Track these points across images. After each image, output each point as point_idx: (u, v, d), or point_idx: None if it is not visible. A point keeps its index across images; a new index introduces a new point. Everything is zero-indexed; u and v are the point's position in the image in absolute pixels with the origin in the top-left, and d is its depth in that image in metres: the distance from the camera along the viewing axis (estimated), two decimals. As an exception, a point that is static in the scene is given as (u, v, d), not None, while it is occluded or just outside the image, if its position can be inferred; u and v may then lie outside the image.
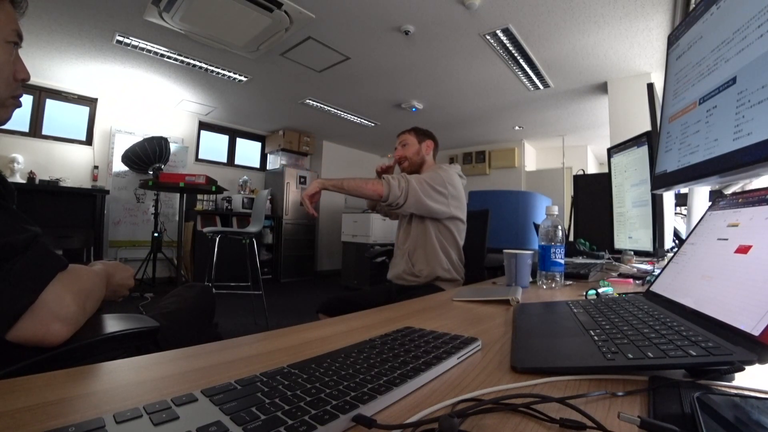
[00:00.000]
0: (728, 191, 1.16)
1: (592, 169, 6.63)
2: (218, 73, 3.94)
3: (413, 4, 2.70)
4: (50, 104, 4.34)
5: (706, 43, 0.60)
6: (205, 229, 2.96)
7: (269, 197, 5.09)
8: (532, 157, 6.73)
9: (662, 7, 2.62)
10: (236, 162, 6.14)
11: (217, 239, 2.87)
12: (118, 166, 4.60)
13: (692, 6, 2.02)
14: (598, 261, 1.38)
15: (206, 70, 3.87)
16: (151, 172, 4.31)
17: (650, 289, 0.62)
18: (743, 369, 0.32)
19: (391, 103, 4.75)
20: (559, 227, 0.99)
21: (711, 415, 0.25)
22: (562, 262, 0.99)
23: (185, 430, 0.24)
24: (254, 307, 3.30)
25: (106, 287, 0.68)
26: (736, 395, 0.30)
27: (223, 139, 6.00)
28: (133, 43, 3.33)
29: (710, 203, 0.63)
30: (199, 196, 5.20)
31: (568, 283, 1.05)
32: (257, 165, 6.43)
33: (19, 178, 3.92)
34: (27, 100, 4.11)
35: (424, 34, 3.09)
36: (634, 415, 0.25)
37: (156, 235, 4.41)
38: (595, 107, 4.59)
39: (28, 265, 0.49)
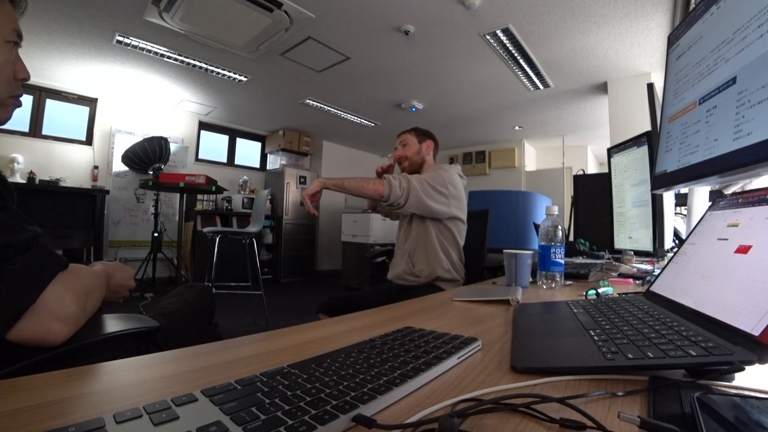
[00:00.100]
0: (728, 191, 1.16)
1: (592, 169, 6.63)
2: (218, 73, 3.94)
3: (413, 4, 2.70)
4: (50, 104, 4.34)
5: (706, 43, 0.60)
6: (205, 229, 2.96)
7: (269, 197, 5.09)
8: (532, 157, 6.73)
9: (662, 7, 2.62)
10: (236, 162, 6.14)
11: (217, 239, 2.87)
12: (118, 166, 4.60)
13: (692, 6, 2.02)
14: (598, 261, 1.38)
15: (206, 70, 3.87)
16: (151, 172, 4.31)
17: (650, 289, 0.62)
18: (743, 369, 0.32)
19: (391, 103, 4.75)
20: (559, 227, 0.99)
21: (711, 415, 0.25)
22: (562, 262, 0.99)
23: (185, 430, 0.24)
24: (254, 307, 3.30)
25: (107, 287, 0.68)
26: (736, 395, 0.30)
27: (223, 139, 6.00)
28: (133, 43, 3.33)
29: (710, 203, 0.63)
30: (199, 196, 5.20)
31: (568, 283, 1.05)
32: (257, 165, 6.43)
33: (19, 178, 3.92)
34: (27, 100, 4.11)
35: (424, 34, 3.09)
36: (634, 415, 0.25)
37: (156, 235, 4.41)
38: (595, 107, 4.59)
39: (28, 265, 0.49)
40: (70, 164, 4.40)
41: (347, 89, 4.37)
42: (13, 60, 0.57)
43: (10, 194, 0.54)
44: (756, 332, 0.33)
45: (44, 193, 3.82)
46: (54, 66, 3.83)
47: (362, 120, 5.40)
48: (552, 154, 6.62)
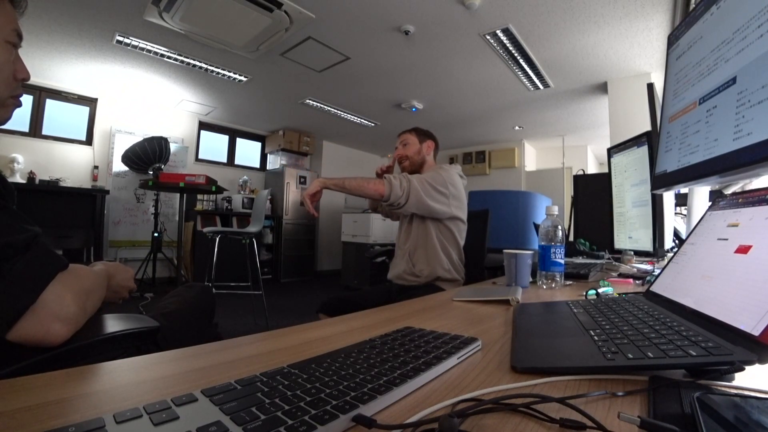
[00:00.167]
0: (728, 191, 1.16)
1: (592, 169, 6.63)
2: (218, 73, 3.94)
3: (413, 4, 2.70)
4: (50, 104, 4.34)
5: (706, 43, 0.60)
6: (205, 229, 2.96)
7: (269, 197, 5.09)
8: (532, 157, 6.73)
9: (662, 7, 2.62)
10: (236, 162, 6.14)
11: (217, 239, 2.87)
12: (118, 166, 4.60)
13: (692, 6, 2.02)
14: (598, 261, 1.38)
15: (206, 70, 3.87)
16: (151, 172, 4.31)
17: (650, 289, 0.62)
18: (743, 369, 0.32)
19: (391, 103, 4.75)
20: (559, 227, 0.99)
21: (711, 415, 0.25)
22: (562, 262, 0.99)
23: (185, 430, 0.24)
24: (254, 307, 3.30)
25: (107, 288, 0.68)
26: (736, 395, 0.30)
27: (223, 139, 6.00)
28: (133, 43, 3.33)
29: (710, 203, 0.63)
30: (199, 196, 5.20)
31: (568, 283, 1.05)
32: (257, 165, 6.43)
33: (19, 178, 3.92)
34: (27, 100, 4.11)
35: (424, 34, 3.09)
36: (634, 415, 0.25)
37: (156, 235, 4.41)
38: (595, 107, 4.59)
39: (28, 265, 0.49)
40: (70, 164, 4.40)
41: (347, 89, 4.37)
42: (13, 60, 0.57)
43: (10, 194, 0.54)
44: (756, 332, 0.33)
45: (44, 193, 3.82)
46: (54, 66, 3.83)
47: (362, 120, 5.40)
48: (552, 154, 6.62)
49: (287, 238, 5.81)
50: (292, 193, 5.85)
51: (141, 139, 4.43)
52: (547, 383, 0.36)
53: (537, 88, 4.08)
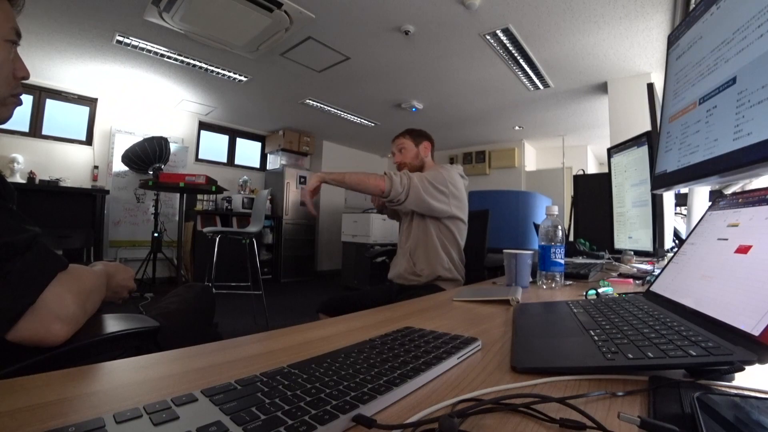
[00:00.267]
0: (728, 191, 1.16)
1: (592, 169, 6.63)
2: (218, 73, 3.94)
3: (413, 4, 2.70)
4: (50, 104, 4.34)
5: (706, 43, 0.60)
6: (205, 229, 2.96)
7: (269, 197, 5.09)
8: (532, 157, 6.73)
9: (662, 7, 2.62)
10: (236, 162, 6.14)
11: (217, 239, 2.87)
12: (118, 166, 4.60)
13: (692, 6, 2.02)
14: (598, 261, 1.38)
15: (206, 70, 3.87)
16: (151, 172, 4.30)
17: (650, 289, 0.62)
18: (743, 369, 0.32)
19: (391, 103, 4.75)
20: (559, 227, 0.99)
21: (711, 415, 0.25)
22: (562, 262, 0.99)
23: (185, 430, 0.24)
24: (254, 307, 3.30)
25: (107, 288, 0.68)
26: (736, 395, 0.30)
27: (223, 139, 6.00)
28: (133, 43, 3.33)
29: (710, 203, 0.63)
30: (199, 196, 5.20)
31: (568, 283, 1.05)
32: (257, 165, 6.43)
33: (19, 178, 3.92)
34: (27, 100, 4.11)
35: (424, 34, 3.09)
36: (634, 415, 0.25)
37: (156, 235, 4.40)
38: (595, 107, 4.59)
39: (28, 265, 0.49)
40: (70, 164, 4.40)
41: (347, 89, 4.37)
42: (12, 58, 0.57)
43: (10, 194, 0.54)
44: (756, 332, 0.33)
45: (44, 193, 3.83)
46: (54, 66, 3.82)
47: (362, 120, 5.39)
48: (552, 154, 6.61)
49: (287, 238, 5.81)
50: (292, 193, 5.85)
51: (141, 139, 4.43)
52: (547, 383, 0.36)
53: (537, 88, 4.07)
